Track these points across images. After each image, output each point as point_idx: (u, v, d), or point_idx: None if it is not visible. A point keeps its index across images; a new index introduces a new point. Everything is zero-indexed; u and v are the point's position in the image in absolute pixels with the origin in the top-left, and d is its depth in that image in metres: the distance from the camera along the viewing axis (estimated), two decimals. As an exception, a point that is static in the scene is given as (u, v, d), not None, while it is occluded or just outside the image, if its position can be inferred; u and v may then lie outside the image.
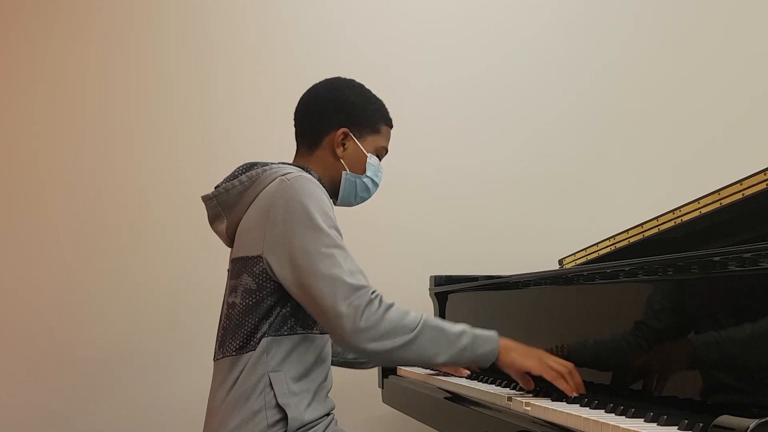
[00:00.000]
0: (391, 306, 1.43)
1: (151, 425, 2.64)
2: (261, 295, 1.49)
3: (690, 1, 3.05)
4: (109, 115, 2.78)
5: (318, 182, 1.54)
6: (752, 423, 0.90)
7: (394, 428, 2.66)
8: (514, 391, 1.60)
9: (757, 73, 3.00)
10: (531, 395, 1.51)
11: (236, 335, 1.51)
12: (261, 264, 1.48)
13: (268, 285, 1.49)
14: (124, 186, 2.75)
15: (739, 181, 1.55)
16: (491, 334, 1.49)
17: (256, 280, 1.49)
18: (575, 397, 1.39)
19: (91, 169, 2.75)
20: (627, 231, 1.98)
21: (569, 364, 1.45)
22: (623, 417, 1.19)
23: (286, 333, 1.49)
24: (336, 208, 1.77)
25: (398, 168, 2.74)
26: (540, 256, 2.44)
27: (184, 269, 2.70)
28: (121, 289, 2.70)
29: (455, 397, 1.71)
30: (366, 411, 2.63)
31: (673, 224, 1.77)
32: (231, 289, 1.56)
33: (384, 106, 1.74)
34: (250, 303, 1.50)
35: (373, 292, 1.43)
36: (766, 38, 3.03)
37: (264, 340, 1.48)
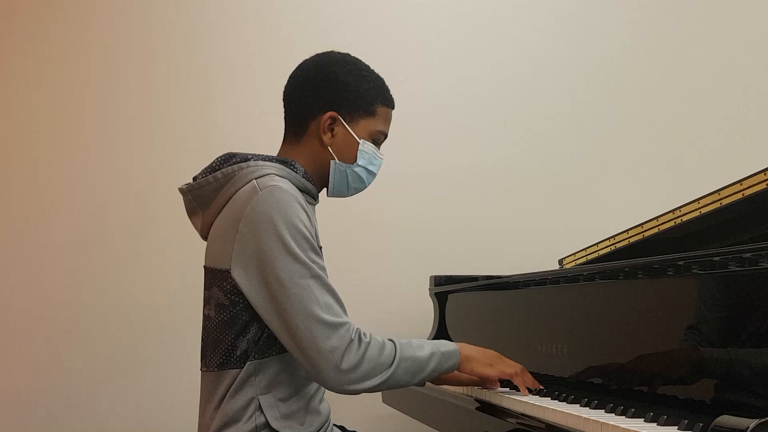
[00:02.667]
0: (369, 343, 1.38)
1: (150, 426, 2.64)
2: (234, 310, 1.40)
3: (690, 1, 3.05)
4: (107, 116, 2.78)
5: (294, 192, 1.42)
6: (752, 423, 0.90)
7: (394, 428, 2.66)
8: (513, 390, 1.60)
9: (757, 73, 3.00)
10: (531, 394, 1.51)
11: (215, 350, 1.44)
12: (230, 280, 1.39)
13: (240, 300, 1.40)
14: (122, 188, 2.74)
15: (739, 181, 1.55)
16: (453, 348, 1.50)
17: (228, 295, 1.40)
18: (573, 398, 1.39)
19: (89, 171, 2.75)
20: (627, 231, 1.98)
21: (519, 366, 1.55)
22: (623, 417, 1.19)
23: (274, 353, 1.42)
24: (333, 202, 1.69)
25: (398, 168, 2.74)
26: (540, 256, 2.44)
27: (183, 271, 2.69)
28: (118, 291, 2.69)
29: (454, 397, 1.71)
30: (366, 411, 2.62)
31: (673, 224, 1.77)
32: (205, 300, 1.48)
33: (383, 84, 1.59)
34: (225, 318, 1.42)
35: (353, 330, 1.37)
36: (766, 38, 3.03)
37: (250, 364, 1.40)
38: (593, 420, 1.16)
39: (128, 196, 2.75)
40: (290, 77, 1.60)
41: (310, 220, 1.43)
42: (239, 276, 1.38)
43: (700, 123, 2.97)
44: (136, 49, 2.82)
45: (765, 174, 1.48)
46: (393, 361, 1.40)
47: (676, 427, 1.07)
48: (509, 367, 1.53)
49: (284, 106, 1.60)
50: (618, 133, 2.97)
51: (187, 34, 2.84)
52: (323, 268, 1.40)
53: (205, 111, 2.81)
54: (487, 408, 1.53)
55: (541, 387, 1.53)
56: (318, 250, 1.42)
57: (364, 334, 1.39)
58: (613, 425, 1.10)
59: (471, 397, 1.65)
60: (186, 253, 2.67)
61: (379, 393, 2.32)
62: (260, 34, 2.86)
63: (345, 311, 1.40)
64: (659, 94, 2.99)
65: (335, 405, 1.62)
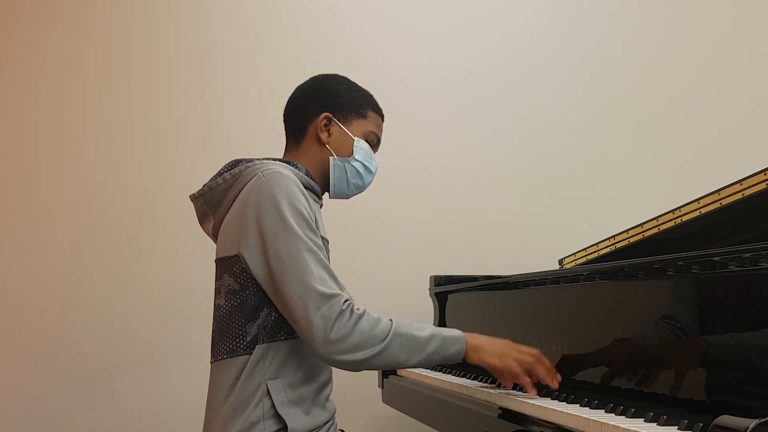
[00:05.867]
0: (362, 316, 1.41)
1: (150, 425, 2.64)
2: (244, 295, 1.47)
3: (690, 2, 3.05)
4: (109, 115, 2.78)
5: (295, 178, 1.49)
6: (752, 423, 0.90)
7: (394, 428, 2.66)
8: (514, 390, 1.59)
9: (757, 73, 3.00)
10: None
11: (224, 338, 1.48)
12: (240, 263, 1.46)
13: (250, 284, 1.46)
14: (124, 187, 2.75)
15: (739, 181, 1.55)
16: (458, 335, 1.51)
17: (238, 279, 1.47)
18: (573, 398, 1.39)
19: (90, 170, 2.75)
20: (627, 231, 1.98)
21: (535, 353, 1.50)
22: (623, 417, 1.19)
23: (282, 338, 1.47)
24: (333, 203, 1.75)
25: (398, 168, 2.74)
26: (540, 256, 2.44)
27: (183, 270, 2.70)
28: (120, 289, 2.70)
29: (455, 397, 1.71)
30: (366, 411, 2.62)
31: (673, 224, 1.77)
32: (216, 291, 1.54)
33: (371, 95, 1.71)
34: (235, 304, 1.48)
35: (345, 301, 1.41)
36: (766, 38, 3.03)
37: (259, 347, 1.45)
38: (593, 420, 1.16)
39: (130, 197, 2.75)
40: (288, 99, 1.72)
41: (309, 206, 1.50)
42: (247, 257, 1.45)
43: (700, 123, 2.98)
44: (140, 51, 2.82)
45: (765, 174, 1.49)
46: (386, 336, 1.42)
47: (676, 427, 1.07)
48: (518, 362, 1.49)
49: (284, 123, 1.71)
50: (618, 133, 2.97)
51: (190, 38, 2.85)
52: (320, 247, 1.46)
53: (208, 114, 2.81)
54: (487, 408, 1.53)
55: (557, 385, 1.46)
56: (315, 230, 1.47)
57: (358, 308, 1.42)
58: (613, 425, 1.10)
59: (471, 397, 1.65)
60: (188, 254, 2.68)
61: (379, 393, 2.32)
62: (264, 38, 2.86)
63: (340, 286, 1.44)
64: (659, 94, 3.00)
65: (336, 405, 1.62)
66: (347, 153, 1.64)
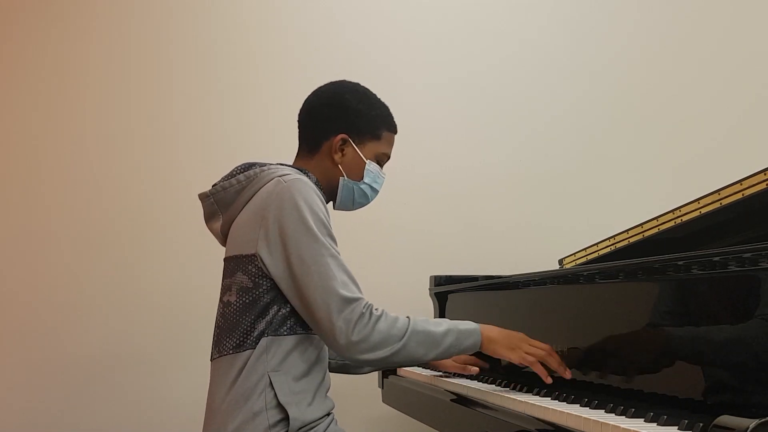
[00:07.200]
0: (380, 317, 1.49)
1: (151, 425, 2.64)
2: (257, 293, 1.51)
3: (690, 2, 3.05)
4: (109, 115, 2.78)
5: (315, 186, 1.56)
6: (752, 423, 0.90)
7: (394, 428, 2.66)
8: (514, 390, 1.60)
9: (757, 73, 3.00)
10: (530, 394, 1.51)
11: (232, 333, 1.52)
12: (256, 262, 1.51)
13: (264, 283, 1.51)
14: (124, 187, 2.75)
15: (739, 181, 1.55)
16: (474, 327, 1.58)
17: (252, 278, 1.51)
18: (573, 398, 1.39)
19: (91, 170, 2.75)
20: (627, 231, 1.98)
21: (546, 347, 1.57)
22: (623, 417, 1.19)
23: (285, 333, 1.51)
24: (334, 211, 1.78)
25: (398, 168, 2.73)
26: (540, 256, 2.44)
27: (183, 270, 2.70)
28: (121, 289, 2.70)
29: (455, 397, 1.71)
30: (366, 411, 2.62)
31: (673, 224, 1.77)
32: (225, 288, 1.58)
33: (388, 111, 1.74)
34: (247, 301, 1.52)
35: (365, 305, 1.48)
36: (766, 38, 3.03)
37: (264, 340, 1.50)
38: (593, 420, 1.16)
39: (130, 197, 2.75)
40: (306, 101, 1.73)
41: (326, 211, 1.56)
42: (265, 257, 1.50)
43: (700, 123, 2.97)
44: (140, 52, 2.82)
45: (765, 174, 1.49)
46: (404, 334, 1.50)
47: (676, 427, 1.07)
48: (531, 354, 1.56)
49: (299, 126, 1.73)
50: (618, 133, 2.97)
51: (190, 38, 2.84)
52: (338, 253, 1.52)
53: (208, 114, 2.81)
54: (488, 408, 1.53)
55: (569, 375, 1.51)
56: (334, 237, 1.54)
57: (377, 309, 1.50)
58: (613, 425, 1.10)
59: (471, 397, 1.65)
60: (189, 254, 2.68)
61: (379, 393, 2.32)
62: (264, 38, 2.86)
63: (360, 290, 1.51)
64: (659, 94, 3.00)
65: (336, 405, 1.62)
66: (358, 176, 1.69)
